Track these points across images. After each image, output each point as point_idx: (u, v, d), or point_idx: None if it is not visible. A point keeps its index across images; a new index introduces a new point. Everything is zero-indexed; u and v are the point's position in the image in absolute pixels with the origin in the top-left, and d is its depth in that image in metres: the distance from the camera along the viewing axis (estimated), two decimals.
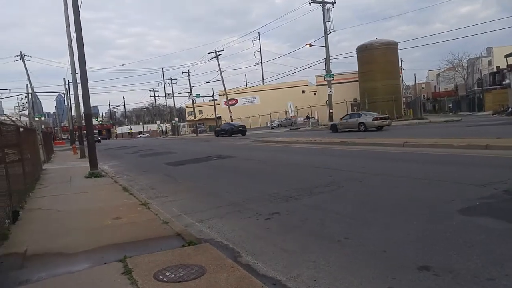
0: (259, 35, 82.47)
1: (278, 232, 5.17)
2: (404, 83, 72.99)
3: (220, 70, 54.67)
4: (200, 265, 3.78)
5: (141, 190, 9.50)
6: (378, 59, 40.67)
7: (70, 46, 20.04)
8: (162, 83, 74.27)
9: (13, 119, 10.94)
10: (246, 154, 16.88)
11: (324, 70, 38.27)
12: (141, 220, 5.92)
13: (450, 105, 66.41)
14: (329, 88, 36.67)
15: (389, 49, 41.62)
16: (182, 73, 65.38)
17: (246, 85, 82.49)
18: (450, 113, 56.84)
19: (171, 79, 72.94)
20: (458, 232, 4.38)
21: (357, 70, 44.79)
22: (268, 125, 57.40)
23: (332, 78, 37.42)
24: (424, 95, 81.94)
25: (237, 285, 3.31)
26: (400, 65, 47.14)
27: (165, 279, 3.48)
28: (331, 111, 36.47)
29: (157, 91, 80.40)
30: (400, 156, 11.59)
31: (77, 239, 5.03)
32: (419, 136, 16.79)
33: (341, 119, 28.59)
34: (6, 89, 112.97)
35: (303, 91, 67.22)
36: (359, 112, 30.67)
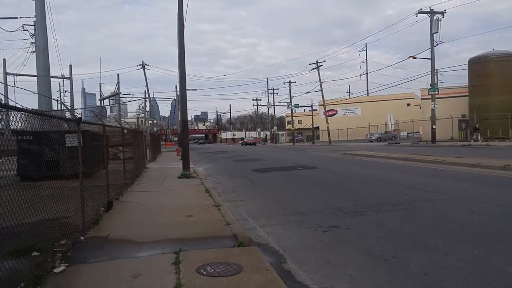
0: (365, 46, 79.27)
1: (330, 245, 5.21)
2: None
3: (320, 80, 54.56)
4: (239, 264, 4.08)
5: (222, 192, 10.25)
6: (494, 72, 35.84)
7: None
8: (266, 92, 76.74)
9: (119, 122, 12.77)
10: (331, 166, 16.68)
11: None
12: (208, 219, 6.48)
13: None
14: (432, 103, 33.73)
15: (510, 61, 36.35)
16: (284, 83, 67.30)
17: (349, 95, 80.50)
18: None
19: (273, 89, 75.34)
20: None
21: (467, 84, 40.21)
22: (367, 138, 55.07)
23: (436, 92, 34.39)
24: None
25: (263, 286, 3.52)
26: None
27: (204, 273, 3.87)
28: (433, 126, 33.46)
29: (260, 100, 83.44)
30: (494, 180, 10.36)
31: (150, 230, 5.80)
32: None
33: None
34: (130, 94, 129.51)
35: (408, 104, 62.74)
36: None
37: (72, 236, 5.34)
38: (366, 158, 19.95)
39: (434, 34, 33.24)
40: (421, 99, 45.84)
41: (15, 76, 38.34)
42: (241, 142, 75.56)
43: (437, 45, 33.51)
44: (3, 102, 3.78)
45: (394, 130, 47.63)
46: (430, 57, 34.13)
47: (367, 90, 76.43)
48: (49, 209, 5.37)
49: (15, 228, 4.41)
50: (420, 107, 47.36)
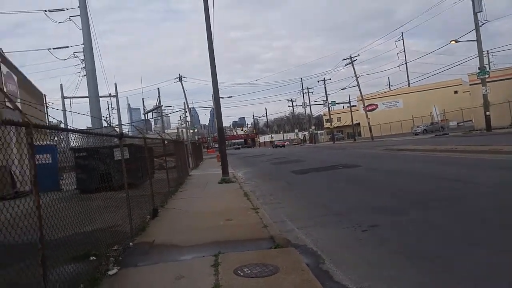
0: (402, 35, 76.64)
1: (370, 245, 5.16)
2: None
3: (355, 75, 53.34)
4: (276, 265, 4.20)
5: (260, 196, 10.41)
6: None
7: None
8: (301, 92, 76.41)
9: (160, 134, 13.36)
10: (373, 163, 16.32)
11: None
12: (247, 223, 6.67)
13: None
14: (483, 87, 31.60)
15: None
16: (318, 81, 66.25)
17: (389, 88, 78.01)
18: None
19: (307, 88, 74.80)
20: None
21: None
22: (412, 131, 52.99)
23: (487, 76, 32.03)
24: None
25: (299, 286, 3.62)
26: None
27: (242, 274, 4.03)
28: (487, 113, 31.28)
29: (295, 100, 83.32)
30: None
31: (192, 235, 6.08)
32: None
33: None
34: (171, 106, 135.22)
35: (456, 92, 59.57)
36: None
37: (122, 242, 5.75)
38: (410, 153, 19.28)
39: (478, 14, 31.25)
40: (470, 84, 43.22)
41: (70, 99, 42.15)
42: (272, 145, 79.92)
43: (482, 25, 31.42)
44: (62, 125, 4.24)
45: (441, 120, 45.41)
46: (476, 39, 32.11)
47: (408, 80, 73.49)
48: (103, 218, 5.85)
49: (76, 236, 4.88)
50: (470, 94, 44.74)
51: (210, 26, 14.01)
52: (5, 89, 14.35)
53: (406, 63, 76.54)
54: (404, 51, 77.34)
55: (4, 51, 18.56)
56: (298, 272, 3.98)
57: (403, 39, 77.07)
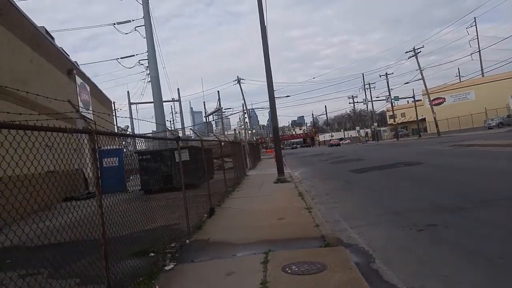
0: (474, 20, 70.15)
1: (425, 245, 4.97)
2: None
3: (419, 68, 50.40)
4: (324, 263, 4.21)
5: (316, 195, 10.35)
6: None
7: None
8: (362, 88, 73.74)
9: (217, 136, 13.82)
10: (437, 160, 15.36)
11: None
12: (299, 222, 6.71)
13: None
14: None
15: None
16: (380, 76, 63.69)
17: (459, 79, 72.11)
18: None
19: (369, 84, 72.05)
20: None
21: None
22: (485, 124, 48.62)
23: None
24: None
25: (345, 284, 3.61)
26: None
27: (289, 271, 4.11)
28: None
29: (356, 97, 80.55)
30: None
31: (245, 233, 6.27)
32: None
33: None
34: (231, 108, 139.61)
35: None
36: None
37: (179, 239, 6.11)
38: (480, 148, 17.82)
39: None
40: None
41: (136, 105, 45.62)
42: (328, 144, 79.63)
43: None
44: (128, 130, 4.69)
45: None
46: None
47: (482, 70, 67.20)
48: (162, 217, 6.29)
49: (137, 234, 5.32)
50: None
51: (265, 28, 14.21)
52: (79, 99, 15.88)
53: (479, 50, 70.13)
54: (477, 38, 70.74)
55: (78, 64, 20.51)
56: (346, 271, 3.96)
57: (475, 24, 70.65)
